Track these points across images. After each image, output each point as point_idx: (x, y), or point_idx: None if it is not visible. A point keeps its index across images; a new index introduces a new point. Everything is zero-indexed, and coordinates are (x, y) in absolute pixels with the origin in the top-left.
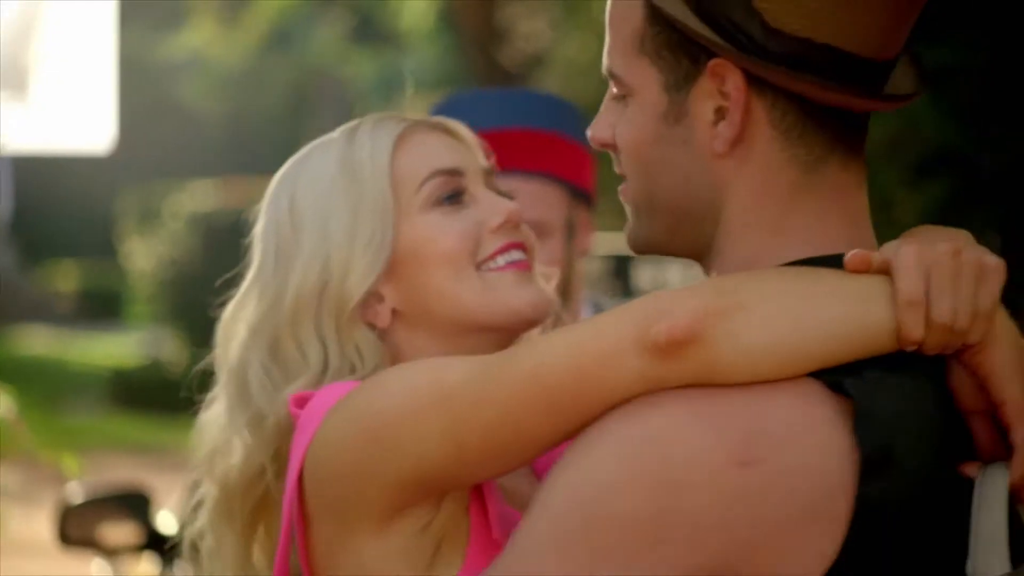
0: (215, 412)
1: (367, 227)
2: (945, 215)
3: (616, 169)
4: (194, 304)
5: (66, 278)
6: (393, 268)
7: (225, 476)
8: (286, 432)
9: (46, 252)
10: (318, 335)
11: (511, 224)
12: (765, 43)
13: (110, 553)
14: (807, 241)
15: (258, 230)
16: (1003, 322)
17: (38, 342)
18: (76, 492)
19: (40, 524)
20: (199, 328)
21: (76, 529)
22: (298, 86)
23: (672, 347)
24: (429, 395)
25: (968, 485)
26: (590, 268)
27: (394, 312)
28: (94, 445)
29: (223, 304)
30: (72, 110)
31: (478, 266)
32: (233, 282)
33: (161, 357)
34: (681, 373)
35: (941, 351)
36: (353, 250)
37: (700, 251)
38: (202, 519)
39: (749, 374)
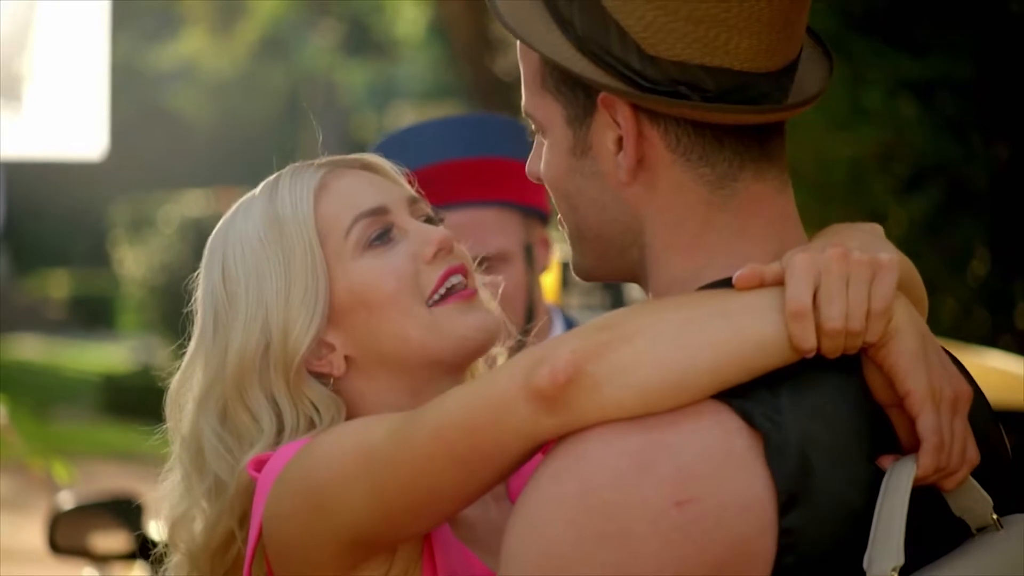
0: (172, 482)
1: (300, 283)
2: (935, 226)
3: None
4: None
5: (57, 286)
6: (337, 316)
7: (190, 546)
8: (250, 495)
9: (37, 260)
10: (268, 397)
11: (445, 251)
12: (645, 71)
13: (101, 561)
14: (727, 258)
15: (197, 296)
16: (905, 313)
17: (29, 350)
18: (67, 500)
19: (30, 531)
20: (190, 336)
21: (67, 537)
22: (291, 94)
23: (555, 391)
24: (354, 459)
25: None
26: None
27: (347, 359)
28: (85, 453)
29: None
30: (65, 118)
31: (427, 302)
32: (191, 282)
33: (152, 364)
34: (572, 416)
35: (842, 354)
36: (289, 307)
37: (634, 276)
38: None
39: (641, 407)
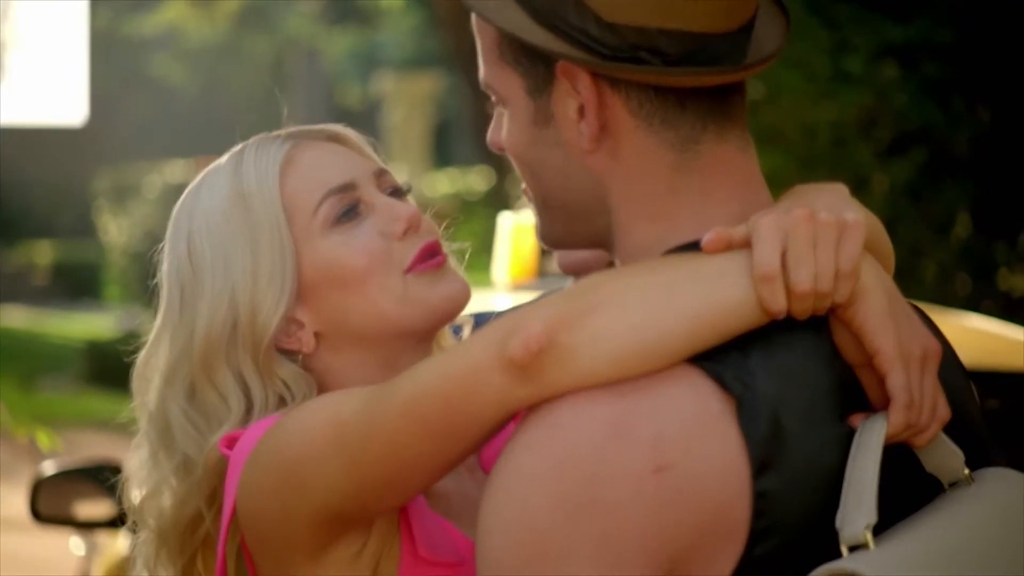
0: (140, 459)
1: (267, 260)
2: (917, 191)
3: None
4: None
5: (41, 255)
6: (305, 293)
7: (159, 523)
8: (219, 474)
9: (20, 230)
10: (236, 376)
11: (413, 228)
12: (603, 38)
13: (85, 528)
14: (693, 222)
15: (163, 270)
16: (872, 272)
17: (13, 319)
18: (49, 467)
19: (15, 500)
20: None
21: (49, 505)
22: (274, 62)
23: (529, 360)
24: (326, 434)
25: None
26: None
27: (316, 335)
28: (69, 421)
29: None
30: (45, 85)
31: (404, 274)
32: (157, 254)
33: (136, 333)
34: (546, 385)
35: (811, 315)
36: (257, 285)
37: (602, 243)
38: (140, 563)
39: (615, 374)
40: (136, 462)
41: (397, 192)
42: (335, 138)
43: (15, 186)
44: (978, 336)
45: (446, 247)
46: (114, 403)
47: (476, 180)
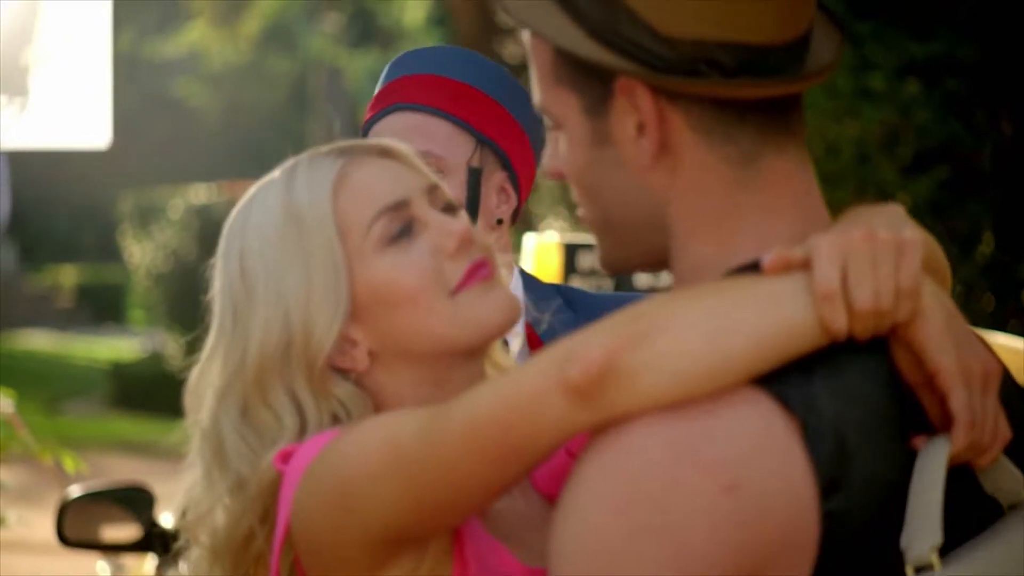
0: (194, 477)
1: (320, 279)
2: (941, 208)
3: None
4: (193, 300)
5: (65, 278)
6: (358, 311)
7: (213, 541)
8: (273, 492)
9: (44, 253)
10: (289, 395)
11: (466, 244)
12: (660, 52)
13: (111, 551)
14: (754, 240)
15: (215, 287)
16: (932, 292)
17: (37, 342)
18: (76, 491)
19: (41, 523)
20: (198, 325)
21: (76, 528)
22: (296, 83)
23: (588, 384)
24: (383, 455)
25: None
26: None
27: (370, 353)
28: (94, 444)
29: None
30: (70, 108)
31: (452, 294)
32: (209, 270)
33: (160, 355)
34: (606, 408)
35: (872, 335)
36: (311, 304)
37: (661, 263)
38: None
39: (675, 396)
40: (189, 481)
41: (450, 207)
42: (387, 153)
43: (39, 209)
44: (1004, 354)
45: (499, 260)
46: (138, 425)
47: None
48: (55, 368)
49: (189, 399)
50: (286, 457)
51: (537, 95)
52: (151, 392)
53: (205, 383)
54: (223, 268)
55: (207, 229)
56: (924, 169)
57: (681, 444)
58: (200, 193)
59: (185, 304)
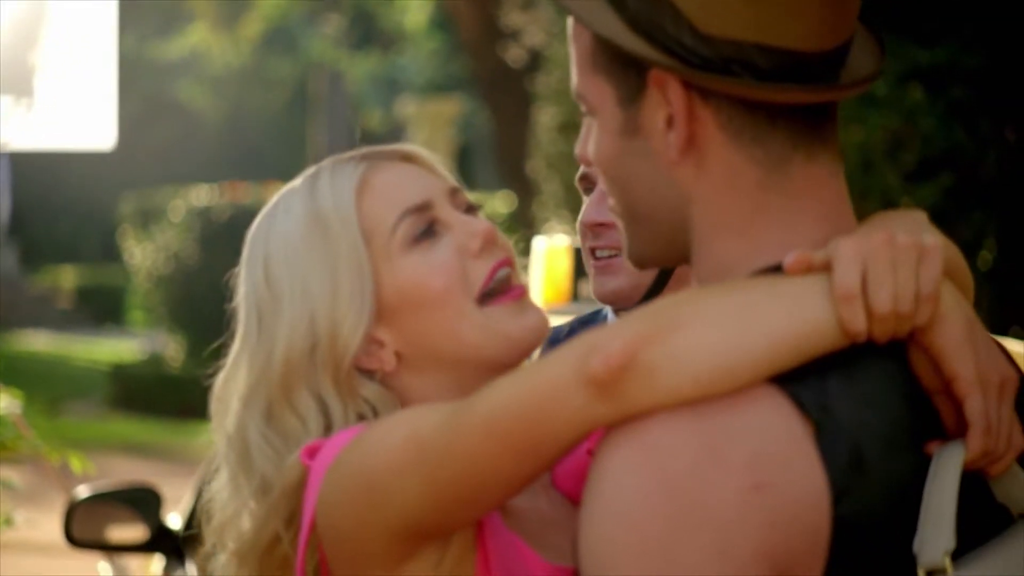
0: (220, 482)
1: (347, 283)
2: (944, 215)
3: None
4: (194, 301)
5: (66, 279)
6: (385, 313)
7: (239, 545)
8: (298, 491)
9: (45, 254)
10: (315, 397)
11: (490, 243)
12: (697, 49)
13: (118, 551)
14: (777, 243)
15: (240, 294)
16: (951, 298)
17: (39, 343)
18: (83, 491)
19: (47, 524)
20: (199, 326)
21: (83, 528)
22: (297, 86)
23: (611, 378)
24: (406, 449)
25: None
26: None
27: (397, 354)
28: (96, 445)
29: (222, 301)
30: (75, 110)
31: (478, 300)
32: (232, 278)
33: (161, 356)
34: (627, 402)
35: (891, 338)
36: (337, 307)
37: (685, 259)
38: None
39: (696, 392)
40: (215, 486)
41: (471, 209)
42: (408, 158)
43: (39, 210)
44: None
45: (519, 265)
46: (139, 427)
47: (499, 204)
48: (56, 369)
49: (215, 406)
50: (312, 452)
51: (574, 80)
52: (151, 393)
53: (231, 390)
54: (247, 275)
55: (208, 231)
56: (928, 176)
57: (705, 442)
58: (201, 195)
59: (185, 306)
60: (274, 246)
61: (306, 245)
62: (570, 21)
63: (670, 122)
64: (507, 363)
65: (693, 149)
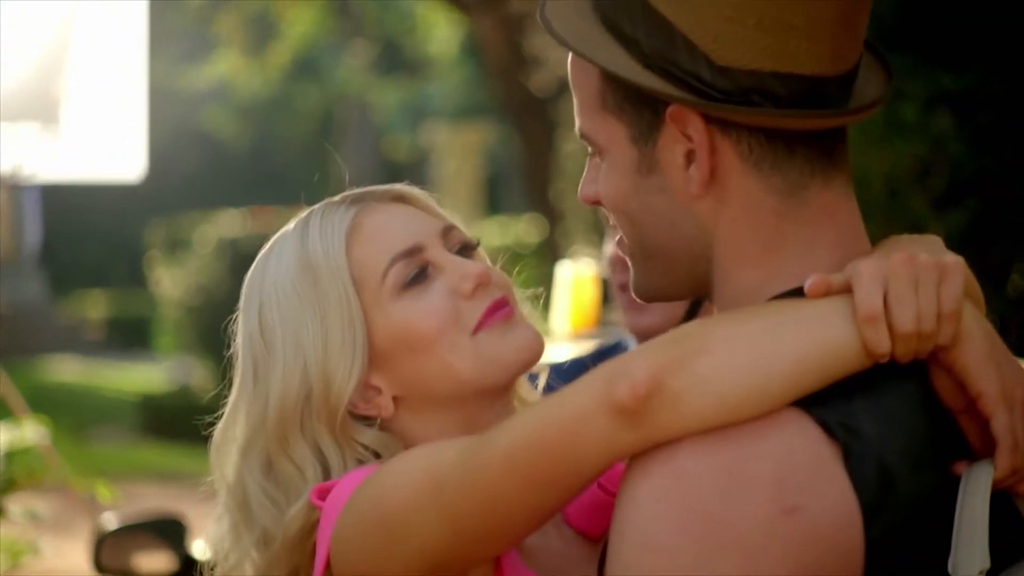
0: (222, 530)
1: (337, 331)
2: (973, 241)
3: (610, 223)
4: (221, 330)
5: (95, 307)
6: (379, 359)
7: None
8: (303, 541)
9: (74, 282)
10: (312, 446)
11: (483, 285)
12: (716, 82)
13: None
14: (796, 269)
15: (237, 341)
16: (973, 316)
17: (67, 371)
18: (111, 520)
19: (74, 553)
20: (226, 355)
21: (112, 557)
22: (325, 114)
23: (637, 405)
24: (423, 485)
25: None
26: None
27: (395, 399)
28: (124, 473)
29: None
30: (104, 141)
31: (472, 334)
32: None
33: (190, 385)
34: (653, 429)
35: (914, 358)
36: (328, 356)
37: (701, 291)
38: None
39: (722, 417)
40: (218, 534)
41: (466, 247)
42: (400, 198)
43: (68, 238)
44: None
45: (519, 295)
46: (168, 454)
47: (527, 231)
48: (84, 397)
49: (214, 455)
50: (323, 493)
51: (579, 121)
52: (179, 421)
53: (229, 439)
54: (244, 322)
55: (236, 259)
56: (956, 202)
57: (732, 466)
58: (229, 222)
59: (213, 334)
60: (267, 294)
61: (296, 294)
62: (570, 63)
63: (690, 157)
64: (503, 385)
65: (714, 182)
